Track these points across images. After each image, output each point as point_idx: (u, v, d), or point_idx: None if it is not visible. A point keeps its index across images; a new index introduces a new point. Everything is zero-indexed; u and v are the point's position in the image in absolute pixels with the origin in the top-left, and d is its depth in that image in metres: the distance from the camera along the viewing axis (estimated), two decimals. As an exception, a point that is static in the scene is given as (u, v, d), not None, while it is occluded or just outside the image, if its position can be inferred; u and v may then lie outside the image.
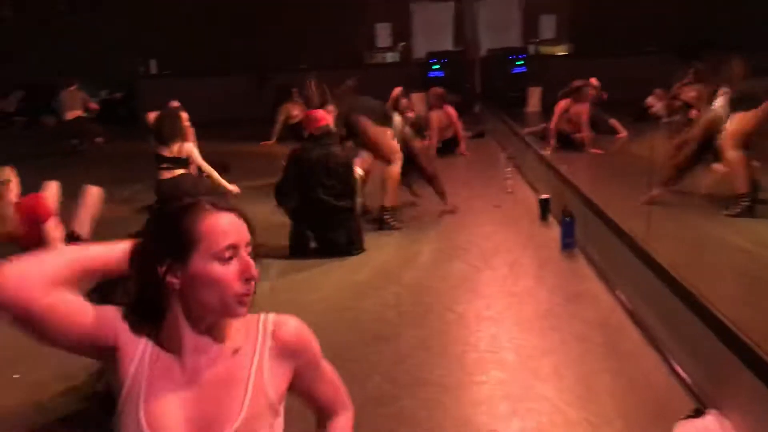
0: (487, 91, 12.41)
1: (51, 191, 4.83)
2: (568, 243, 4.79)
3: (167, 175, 6.03)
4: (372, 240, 5.25)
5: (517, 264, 4.65)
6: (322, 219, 4.92)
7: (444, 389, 3.07)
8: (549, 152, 7.41)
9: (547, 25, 14.81)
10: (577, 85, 8.09)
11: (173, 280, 1.33)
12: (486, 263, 4.69)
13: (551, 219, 5.53)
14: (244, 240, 1.37)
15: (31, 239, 4.51)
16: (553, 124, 8.08)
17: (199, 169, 6.43)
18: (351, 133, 5.66)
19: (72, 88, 10.66)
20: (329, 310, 4.00)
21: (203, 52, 13.69)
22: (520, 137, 7.99)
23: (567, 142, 8.01)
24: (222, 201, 1.40)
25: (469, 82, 12.30)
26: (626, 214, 4.24)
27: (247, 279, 1.35)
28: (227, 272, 1.33)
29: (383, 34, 14.51)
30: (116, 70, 13.97)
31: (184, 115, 6.49)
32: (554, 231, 5.14)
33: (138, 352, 1.37)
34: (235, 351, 1.41)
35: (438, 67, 12.30)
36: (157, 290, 1.34)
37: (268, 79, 12.92)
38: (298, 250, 4.96)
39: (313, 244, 5.00)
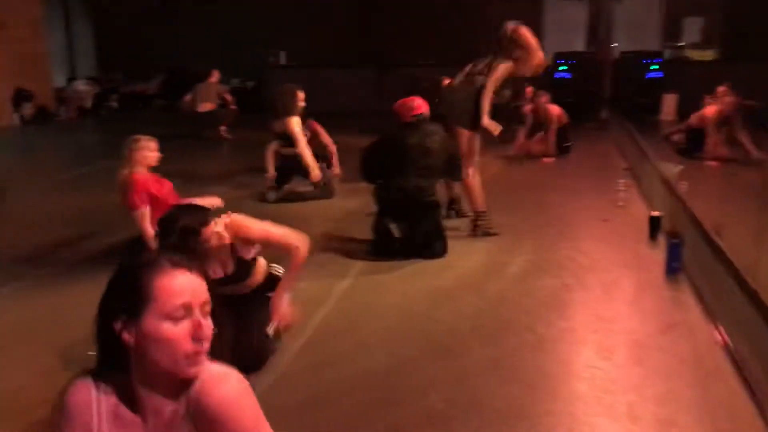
0: (617, 96, 11.75)
1: (203, 201, 4.75)
2: (673, 267, 4.38)
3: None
4: (462, 245, 5.06)
5: (613, 285, 4.30)
6: (409, 208, 4.79)
7: (502, 416, 2.85)
8: (678, 167, 6.84)
9: (692, 28, 13.87)
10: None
11: (128, 337, 1.30)
12: (579, 281, 4.38)
13: (660, 239, 5.09)
14: (200, 300, 1.33)
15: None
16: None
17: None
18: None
19: (211, 80, 10.97)
20: (401, 318, 3.86)
21: (331, 45, 13.95)
22: (639, 146, 7.47)
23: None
24: (183, 259, 1.36)
25: (596, 86, 11.70)
26: (739, 241, 3.80)
27: (198, 339, 1.31)
28: (178, 331, 1.29)
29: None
30: (250, 60, 14.47)
31: (301, 95, 6.64)
32: (662, 253, 4.71)
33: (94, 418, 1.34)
34: (174, 413, 1.33)
35: (565, 68, 11.80)
36: (115, 346, 1.31)
37: (390, 72, 12.94)
38: (381, 246, 4.85)
39: (397, 234, 4.82)
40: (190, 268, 1.34)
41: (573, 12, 13.71)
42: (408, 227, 4.76)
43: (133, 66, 15.61)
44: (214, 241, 2.94)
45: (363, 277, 4.49)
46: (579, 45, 13.45)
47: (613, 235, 5.37)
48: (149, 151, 4.58)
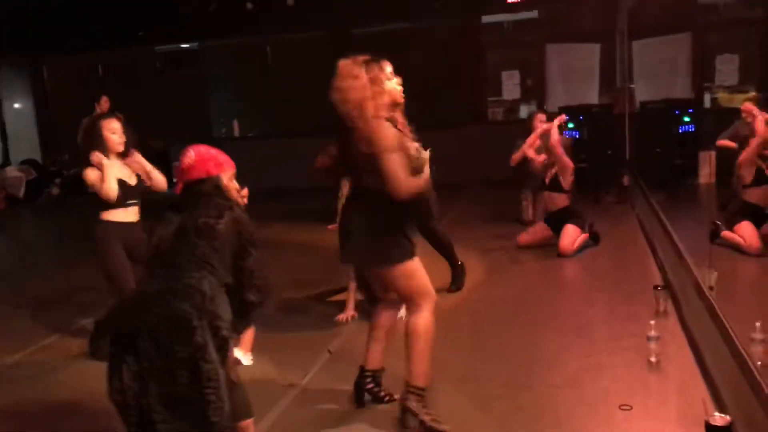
0: (641, 158, 9.34)
1: None
2: None
3: None
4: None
5: None
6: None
7: None
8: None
9: (727, 68, 11.46)
10: None
11: None
12: None
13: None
14: None
15: None
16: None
17: None
18: None
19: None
20: None
21: (294, 111, 11.87)
22: (672, 241, 5.05)
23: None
24: None
25: (613, 146, 9.33)
26: None
27: None
28: None
29: (510, 83, 11.90)
30: (207, 131, 12.53)
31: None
32: None
33: None
34: None
35: (572, 125, 9.45)
36: None
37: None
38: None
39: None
40: None
41: (582, 56, 11.43)
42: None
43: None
44: None
45: None
46: (593, 96, 11.13)
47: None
48: None
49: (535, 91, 11.88)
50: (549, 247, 6.21)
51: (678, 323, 4.21)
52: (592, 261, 5.93)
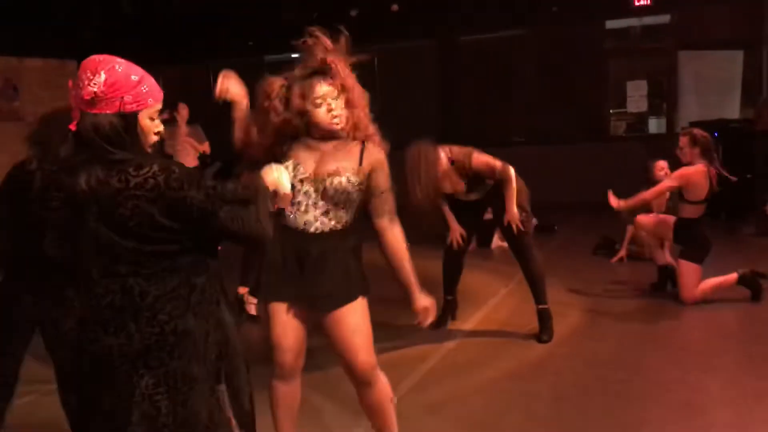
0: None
1: None
2: None
3: None
4: None
5: None
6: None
7: None
8: None
9: None
10: None
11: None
12: None
13: None
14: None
15: None
16: None
17: None
18: None
19: (180, 122, 7.95)
20: None
21: (392, 125, 11.33)
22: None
23: None
24: None
25: (755, 168, 8.06)
26: None
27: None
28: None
29: (636, 94, 10.71)
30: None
31: None
32: None
33: None
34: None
35: (705, 143, 8.24)
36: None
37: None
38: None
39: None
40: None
41: (721, 65, 10.09)
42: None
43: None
44: None
45: None
46: (730, 110, 9.77)
47: None
48: None
49: (665, 104, 10.64)
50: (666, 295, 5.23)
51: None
52: (718, 312, 4.87)
